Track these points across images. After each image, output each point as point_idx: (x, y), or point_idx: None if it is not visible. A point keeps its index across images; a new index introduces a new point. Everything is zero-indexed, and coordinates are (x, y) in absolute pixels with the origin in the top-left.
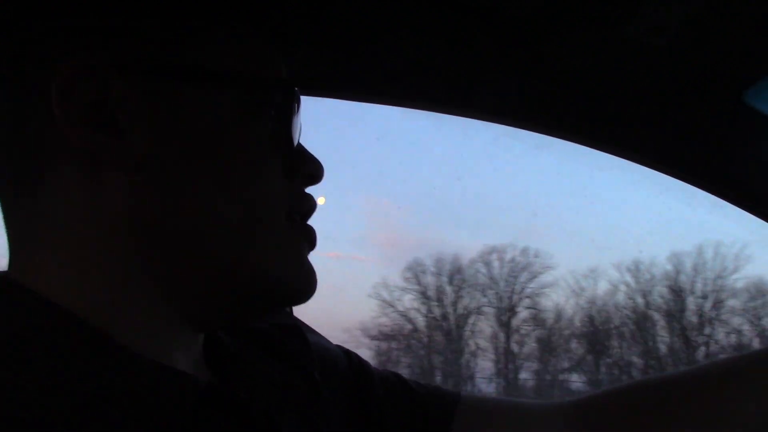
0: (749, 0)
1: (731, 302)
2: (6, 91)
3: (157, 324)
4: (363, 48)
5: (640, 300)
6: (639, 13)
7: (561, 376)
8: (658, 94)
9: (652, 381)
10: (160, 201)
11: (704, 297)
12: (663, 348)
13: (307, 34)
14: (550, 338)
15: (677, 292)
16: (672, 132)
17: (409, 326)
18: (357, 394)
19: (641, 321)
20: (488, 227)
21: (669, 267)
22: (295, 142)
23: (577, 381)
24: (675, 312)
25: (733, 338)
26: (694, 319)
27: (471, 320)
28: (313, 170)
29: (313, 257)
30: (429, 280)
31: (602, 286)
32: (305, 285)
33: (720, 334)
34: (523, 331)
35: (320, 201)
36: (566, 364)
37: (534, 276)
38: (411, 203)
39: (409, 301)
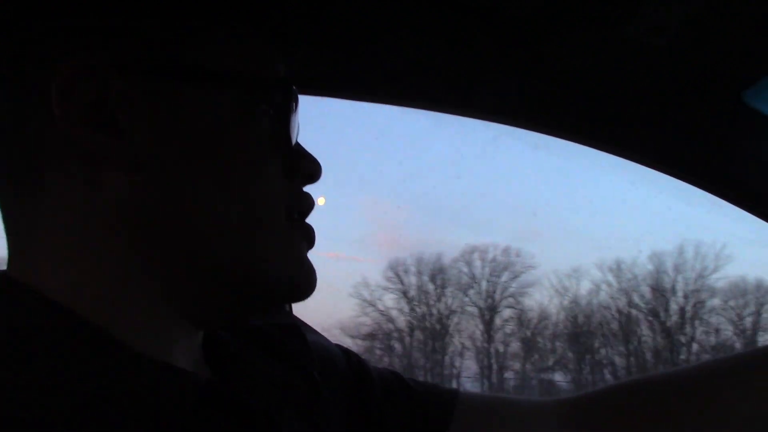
0: (749, 0)
1: (712, 302)
2: (6, 91)
3: (157, 323)
4: (363, 48)
5: (622, 299)
6: (639, 13)
7: (543, 375)
8: (658, 94)
9: (648, 380)
10: (160, 200)
11: (685, 296)
12: (645, 347)
13: (307, 34)
14: (533, 337)
15: (658, 292)
16: (671, 132)
17: (389, 326)
18: (357, 393)
19: (623, 320)
20: (488, 227)
21: (650, 267)
22: (294, 142)
23: (559, 380)
24: (656, 311)
25: (713, 337)
26: (676, 318)
27: (453, 320)
28: (311, 169)
29: (313, 258)
30: (411, 279)
31: (585, 286)
32: (305, 283)
33: (701, 333)
34: (505, 331)
35: (320, 201)
36: (549, 364)
37: (515, 275)
38: (410, 203)
39: (390, 300)
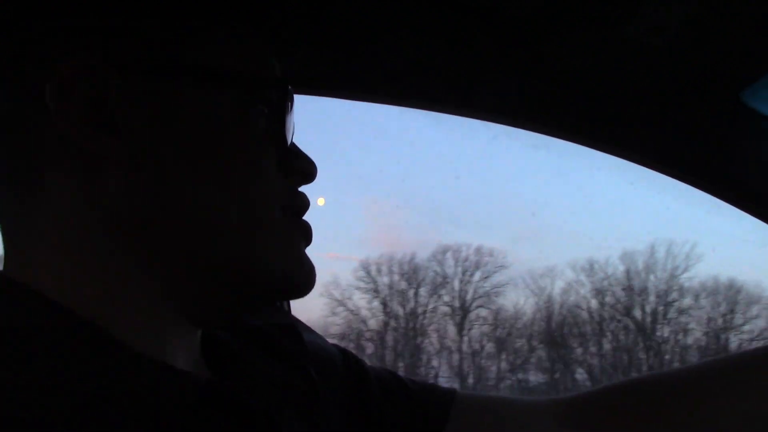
0: (748, 0)
1: (684, 301)
2: (6, 91)
3: (157, 322)
4: (363, 48)
5: (595, 299)
6: (639, 13)
7: (518, 375)
8: (656, 94)
9: (645, 380)
10: (160, 200)
11: (657, 296)
12: (619, 346)
13: (307, 34)
14: (507, 337)
15: (631, 292)
16: (669, 132)
17: (361, 325)
18: (355, 393)
19: (597, 320)
20: (488, 227)
21: (621, 267)
22: (289, 141)
23: (534, 380)
24: (630, 311)
25: (683, 336)
26: (648, 317)
27: (426, 319)
28: (306, 168)
29: (314, 258)
30: (383, 279)
31: (559, 286)
32: (304, 280)
33: (672, 332)
34: (478, 330)
35: (320, 202)
36: (523, 363)
37: (488, 275)
38: (409, 203)
39: (361, 300)
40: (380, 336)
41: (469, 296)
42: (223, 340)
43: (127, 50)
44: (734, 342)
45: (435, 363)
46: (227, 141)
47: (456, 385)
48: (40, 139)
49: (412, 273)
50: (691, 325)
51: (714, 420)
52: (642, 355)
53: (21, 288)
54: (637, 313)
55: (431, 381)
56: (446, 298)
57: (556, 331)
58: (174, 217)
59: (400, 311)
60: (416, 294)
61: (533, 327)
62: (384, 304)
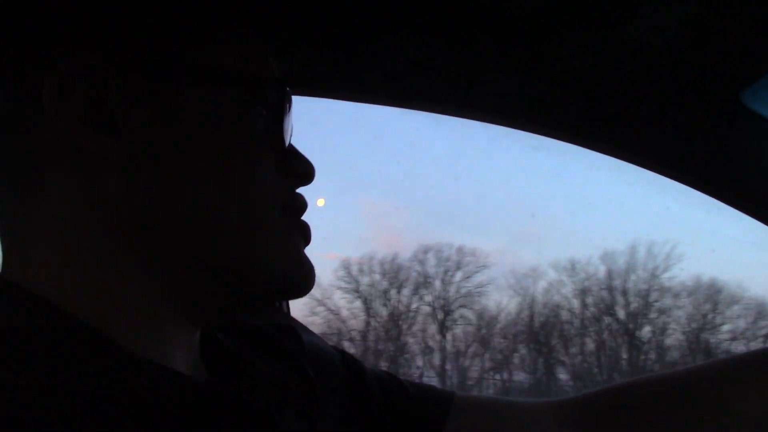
0: (748, 1)
1: (664, 301)
2: (6, 91)
3: (157, 322)
4: (363, 48)
5: (576, 299)
6: (639, 13)
7: (500, 375)
8: (656, 95)
9: (646, 381)
10: (160, 200)
11: (638, 296)
12: (601, 347)
13: (307, 34)
14: (490, 337)
15: (611, 291)
16: (669, 133)
17: (341, 325)
18: (354, 393)
19: (579, 320)
20: (488, 228)
21: (602, 266)
22: (287, 142)
23: (517, 379)
24: (612, 310)
25: (667, 336)
26: (630, 317)
27: (408, 319)
28: (304, 169)
29: (314, 259)
30: (364, 279)
31: (542, 286)
32: (304, 279)
33: (655, 332)
34: (460, 330)
35: (320, 203)
36: (506, 363)
37: (469, 275)
38: (410, 204)
39: (342, 299)
40: (362, 336)
41: (450, 296)
42: (222, 340)
43: (126, 50)
44: (715, 342)
45: (417, 363)
46: (227, 141)
47: (442, 385)
48: (40, 139)
49: (393, 273)
50: (672, 325)
51: (717, 421)
52: (624, 355)
53: (19, 290)
54: (619, 313)
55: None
56: (428, 298)
57: (539, 331)
58: (174, 216)
59: (382, 311)
60: (398, 294)
61: (516, 327)
62: (365, 303)
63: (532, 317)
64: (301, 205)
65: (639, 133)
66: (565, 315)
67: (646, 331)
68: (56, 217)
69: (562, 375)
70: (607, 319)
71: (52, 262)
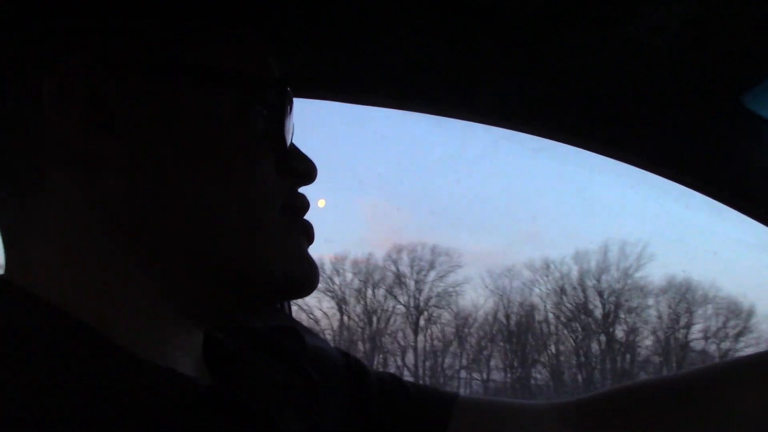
0: (748, 1)
1: (636, 301)
2: (6, 91)
3: (157, 322)
4: (363, 48)
5: (552, 298)
6: (639, 13)
7: (474, 374)
8: (656, 95)
9: (651, 383)
10: (159, 200)
11: (610, 295)
12: (575, 346)
13: (307, 34)
14: (465, 337)
15: (584, 291)
16: (669, 134)
17: (315, 326)
18: (355, 395)
19: (554, 319)
20: (488, 229)
21: (575, 266)
22: (289, 142)
23: (494, 379)
24: (587, 310)
25: (639, 336)
26: (603, 317)
27: (382, 319)
28: (304, 169)
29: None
30: (338, 279)
31: (516, 286)
32: (306, 278)
33: (628, 331)
34: (434, 330)
35: (320, 203)
36: (481, 363)
37: (443, 274)
38: (410, 205)
39: (313, 299)
40: (334, 336)
41: (424, 295)
42: (224, 341)
43: (126, 50)
44: (687, 341)
45: (391, 362)
46: (227, 141)
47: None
48: (40, 139)
49: (367, 273)
50: (646, 324)
51: (718, 422)
52: (598, 353)
53: (19, 291)
54: (595, 312)
55: None
56: (402, 298)
57: (515, 330)
58: (174, 216)
59: (356, 311)
60: (373, 294)
61: (492, 326)
62: (339, 303)
63: (508, 317)
64: (303, 204)
65: (639, 134)
66: (541, 314)
67: (620, 330)
68: (56, 217)
69: (539, 374)
70: (582, 318)
71: (52, 262)
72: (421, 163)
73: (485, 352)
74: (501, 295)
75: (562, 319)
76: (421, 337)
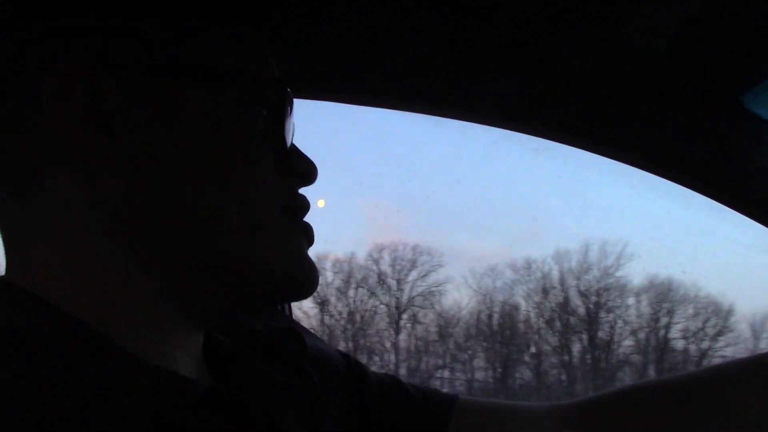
0: (749, 1)
1: (619, 300)
2: (6, 91)
3: (157, 323)
4: (363, 48)
5: (533, 298)
6: (639, 14)
7: (451, 374)
8: (656, 96)
9: (651, 385)
10: (160, 200)
11: (592, 294)
12: (558, 345)
13: (307, 34)
14: (447, 336)
15: (564, 291)
16: (669, 134)
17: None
18: (355, 396)
19: (536, 319)
20: (489, 230)
21: (554, 265)
22: (289, 142)
23: (476, 379)
24: (568, 309)
25: (623, 334)
26: (587, 316)
27: (364, 319)
28: (305, 169)
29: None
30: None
31: (499, 285)
32: (305, 280)
33: (610, 330)
34: (416, 329)
35: (320, 204)
36: (464, 362)
37: (425, 274)
38: (410, 206)
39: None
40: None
41: (406, 295)
42: (223, 342)
43: (126, 50)
44: (668, 340)
45: (373, 361)
46: (227, 141)
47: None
48: (40, 139)
49: (349, 272)
50: (626, 324)
51: (726, 425)
52: (580, 353)
53: (19, 292)
54: (577, 312)
55: None
56: (384, 297)
57: (497, 330)
58: (174, 216)
59: (337, 310)
60: (355, 293)
61: (475, 326)
62: (321, 303)
63: (491, 316)
64: (303, 205)
65: (638, 135)
66: (523, 314)
67: (601, 330)
68: (56, 217)
69: (521, 373)
70: (564, 318)
71: (52, 262)
72: (422, 163)
73: (468, 352)
74: (484, 295)
75: (544, 318)
76: (403, 337)
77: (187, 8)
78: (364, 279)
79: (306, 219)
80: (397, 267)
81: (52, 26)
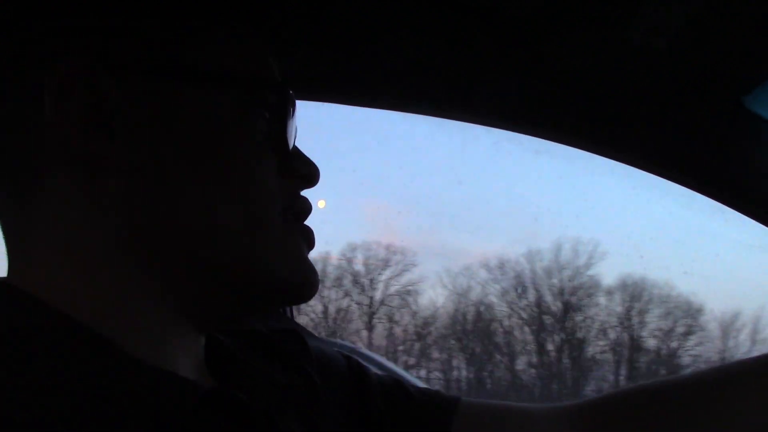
0: (749, 1)
1: (592, 299)
2: (6, 91)
3: (157, 323)
4: (363, 48)
5: (506, 297)
6: (639, 14)
7: (431, 375)
8: (657, 97)
9: (657, 385)
10: (159, 202)
11: (565, 294)
12: (534, 345)
13: (307, 34)
14: (421, 336)
15: (536, 290)
16: (670, 135)
17: None
18: (356, 397)
19: (510, 318)
20: (489, 231)
21: (526, 264)
22: (291, 144)
23: (453, 379)
24: (541, 309)
25: (592, 334)
26: (556, 315)
27: (338, 318)
28: (307, 171)
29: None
30: None
31: (474, 285)
32: (305, 283)
33: (583, 330)
34: (390, 329)
35: (320, 204)
36: (439, 362)
37: (398, 273)
38: (411, 207)
39: None
40: None
41: (379, 294)
42: (224, 342)
43: (126, 50)
44: (642, 340)
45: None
46: (227, 141)
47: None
48: (40, 139)
49: (323, 270)
50: (598, 323)
51: (731, 425)
52: (554, 351)
53: (21, 294)
54: (550, 311)
55: None
56: (357, 296)
57: (471, 329)
58: (173, 217)
59: (314, 310)
60: (329, 293)
61: (451, 325)
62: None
63: (465, 316)
64: (304, 208)
65: (639, 135)
66: (496, 313)
67: (575, 328)
68: (56, 217)
69: (498, 373)
70: (539, 317)
71: (52, 262)
72: (423, 164)
73: (444, 353)
74: (459, 294)
75: (519, 317)
76: (378, 336)
77: (187, 8)
78: (339, 278)
79: (307, 223)
80: (371, 266)
81: (52, 26)
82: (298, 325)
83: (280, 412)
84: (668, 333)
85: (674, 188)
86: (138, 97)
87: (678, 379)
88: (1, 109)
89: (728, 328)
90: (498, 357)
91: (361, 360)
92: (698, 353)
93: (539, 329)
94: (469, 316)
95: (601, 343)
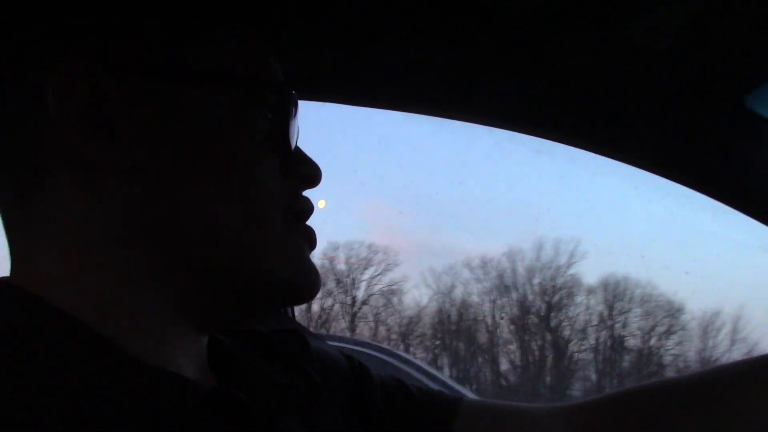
0: (750, 1)
1: (574, 298)
2: (6, 91)
3: (159, 326)
4: (363, 48)
5: (488, 297)
6: (639, 14)
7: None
8: (658, 97)
9: (657, 386)
10: (160, 204)
11: (548, 293)
12: (517, 345)
13: (307, 35)
14: (405, 336)
15: (519, 289)
16: (671, 135)
17: None
18: (358, 397)
19: (493, 319)
20: (490, 231)
21: (507, 263)
22: (293, 144)
23: (438, 378)
24: (523, 308)
25: (576, 333)
26: (540, 315)
27: (322, 318)
28: (309, 171)
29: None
30: None
31: (458, 285)
32: (306, 284)
33: (568, 329)
34: (372, 329)
35: (320, 204)
36: (425, 361)
37: (380, 272)
38: (412, 208)
39: None
40: None
41: (361, 294)
42: (224, 342)
43: (126, 51)
44: (623, 339)
45: None
46: (227, 141)
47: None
48: (40, 139)
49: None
50: (581, 322)
51: (731, 425)
52: (538, 351)
53: (23, 294)
54: (533, 310)
55: None
56: (340, 297)
57: (455, 329)
58: (174, 217)
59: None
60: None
61: (434, 325)
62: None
63: (449, 316)
64: (306, 208)
65: (640, 135)
66: (480, 314)
67: (559, 328)
68: (56, 217)
69: (482, 372)
70: (522, 317)
71: (53, 262)
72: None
73: (428, 354)
74: (443, 294)
75: (502, 317)
76: (361, 336)
77: (187, 9)
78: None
79: (309, 224)
80: (353, 266)
81: (53, 26)
82: (299, 325)
83: (281, 412)
84: (650, 332)
85: (675, 188)
86: (138, 97)
87: (678, 380)
88: (1, 109)
89: (708, 327)
90: (484, 357)
91: (400, 364)
92: (679, 352)
93: (524, 329)
94: (454, 317)
95: (584, 342)
